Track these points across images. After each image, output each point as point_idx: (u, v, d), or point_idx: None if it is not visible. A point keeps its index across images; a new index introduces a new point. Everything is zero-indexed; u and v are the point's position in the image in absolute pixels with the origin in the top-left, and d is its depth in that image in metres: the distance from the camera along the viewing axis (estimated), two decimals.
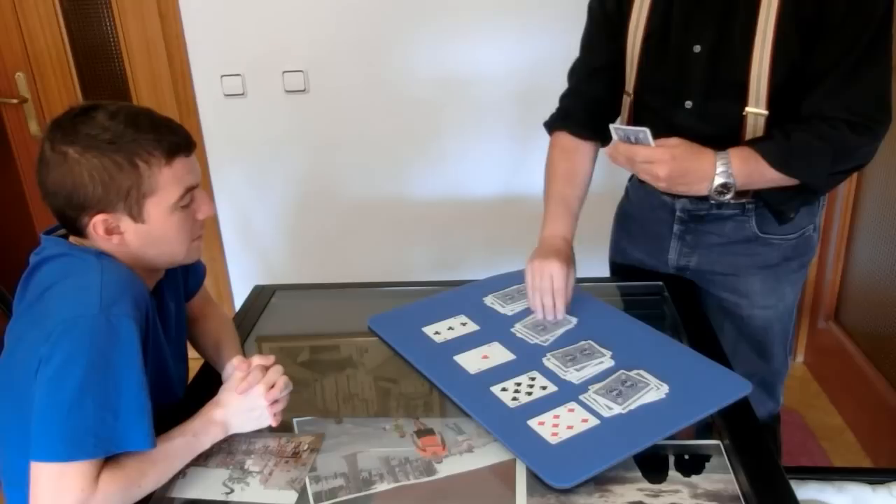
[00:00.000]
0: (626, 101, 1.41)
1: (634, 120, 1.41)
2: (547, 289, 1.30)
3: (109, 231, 1.02)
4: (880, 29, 1.15)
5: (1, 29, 2.36)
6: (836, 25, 1.15)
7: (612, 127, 1.22)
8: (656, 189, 1.27)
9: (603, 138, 1.44)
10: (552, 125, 1.49)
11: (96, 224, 1.01)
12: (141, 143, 0.99)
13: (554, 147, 1.47)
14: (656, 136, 1.18)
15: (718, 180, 1.20)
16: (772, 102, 1.22)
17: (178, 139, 1.03)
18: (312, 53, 2.35)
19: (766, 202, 1.33)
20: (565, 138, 1.45)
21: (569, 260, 1.32)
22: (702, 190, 1.21)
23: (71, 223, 1.04)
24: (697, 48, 1.25)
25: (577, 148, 1.44)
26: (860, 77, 1.17)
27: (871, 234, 2.23)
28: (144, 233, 1.03)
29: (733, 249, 1.40)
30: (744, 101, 1.24)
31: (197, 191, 1.08)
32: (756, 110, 1.23)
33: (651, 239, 1.50)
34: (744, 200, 1.34)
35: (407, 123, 2.43)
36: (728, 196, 1.21)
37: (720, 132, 1.27)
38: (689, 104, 1.30)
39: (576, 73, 1.49)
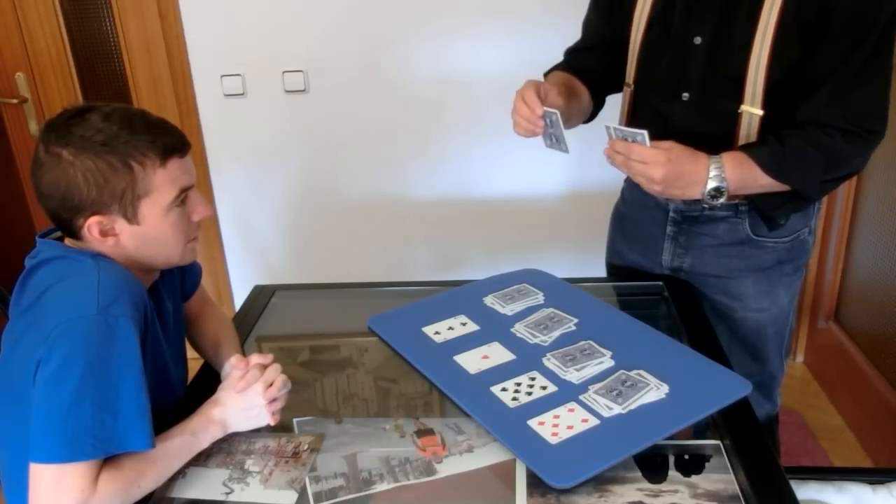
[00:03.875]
0: (626, 91, 1.42)
1: (633, 111, 1.41)
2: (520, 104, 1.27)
3: (104, 233, 1.02)
4: (882, 39, 1.15)
5: (1, 29, 2.36)
6: (838, 32, 1.15)
7: (611, 126, 1.23)
8: None
9: (595, 101, 1.46)
10: (548, 72, 1.50)
11: (91, 226, 1.01)
12: (135, 144, 0.99)
13: (550, 75, 1.48)
14: (652, 133, 1.18)
15: (711, 184, 1.20)
16: (767, 102, 1.22)
17: (172, 140, 1.03)
18: (312, 53, 2.35)
19: (758, 208, 1.33)
20: (562, 71, 1.47)
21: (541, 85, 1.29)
22: (695, 194, 1.22)
23: (65, 225, 1.04)
24: (698, 40, 1.26)
25: (574, 78, 1.45)
26: (859, 86, 1.17)
27: (871, 234, 2.23)
28: (139, 234, 1.03)
29: (726, 251, 1.40)
30: (740, 99, 1.24)
31: (192, 192, 1.08)
32: (751, 109, 1.24)
33: (645, 240, 1.50)
34: (737, 202, 1.34)
35: (407, 123, 2.43)
36: (720, 200, 1.22)
37: (714, 130, 1.28)
38: (685, 96, 1.30)
39: (572, 50, 1.51)
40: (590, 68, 1.46)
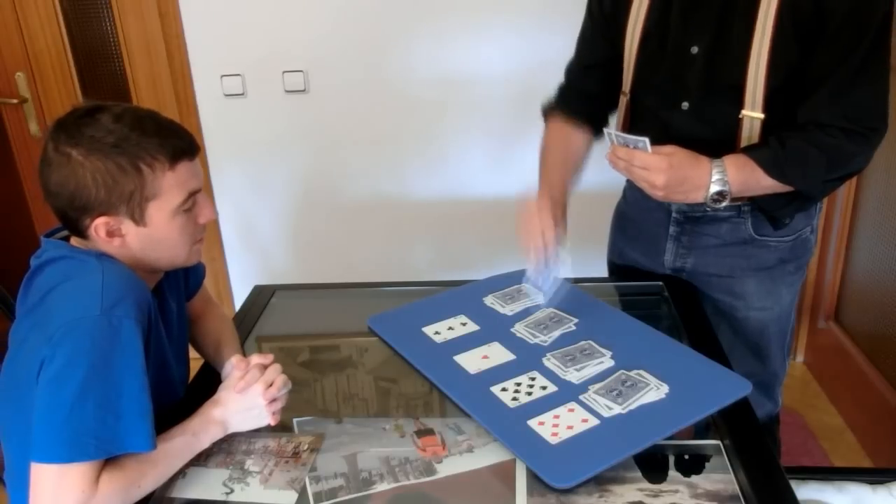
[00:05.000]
0: (623, 100, 1.41)
1: (631, 120, 1.41)
2: (535, 230, 1.30)
3: (111, 233, 1.02)
4: (879, 36, 1.15)
5: (1, 29, 2.36)
6: (835, 32, 1.14)
7: (612, 133, 1.23)
8: None
9: (597, 129, 1.45)
10: (548, 110, 1.50)
11: (98, 226, 1.01)
12: (145, 146, 0.99)
13: (549, 131, 1.48)
14: (653, 140, 1.18)
15: (714, 188, 1.20)
16: (768, 106, 1.22)
17: (182, 143, 1.03)
18: (312, 53, 2.35)
19: (762, 208, 1.33)
20: (560, 122, 1.46)
21: (555, 205, 1.32)
22: (698, 198, 1.22)
23: (72, 224, 1.04)
24: (695, 49, 1.25)
25: (572, 132, 1.45)
26: (858, 84, 1.17)
27: (871, 234, 2.23)
28: (146, 236, 1.03)
29: (729, 251, 1.40)
30: (740, 104, 1.24)
31: (199, 195, 1.08)
32: (752, 114, 1.23)
33: (647, 240, 1.50)
34: (739, 202, 1.34)
35: (407, 123, 2.43)
36: (723, 204, 1.22)
37: (716, 136, 1.27)
38: (685, 106, 1.30)
39: (571, 69, 1.50)
40: (592, 88, 1.45)
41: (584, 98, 1.46)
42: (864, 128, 1.19)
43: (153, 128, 1.01)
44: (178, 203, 1.03)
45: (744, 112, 1.24)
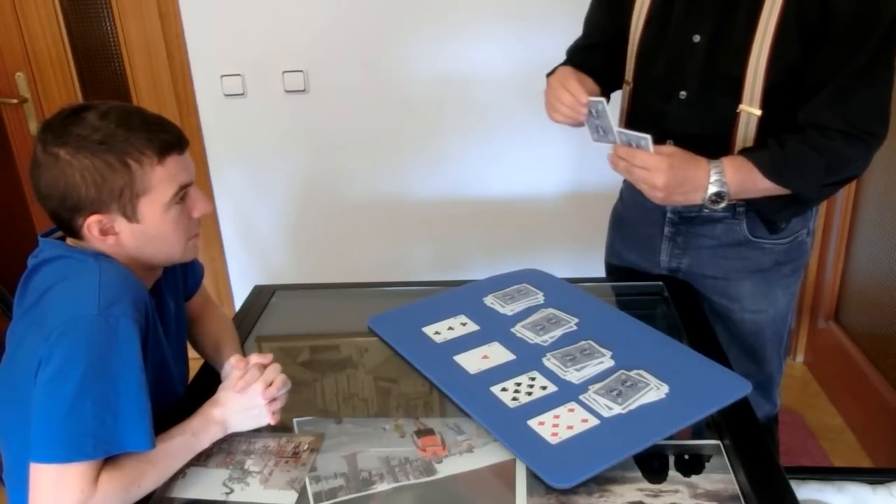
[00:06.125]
0: (626, 89, 1.41)
1: (631, 110, 1.41)
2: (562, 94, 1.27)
3: (104, 232, 1.02)
4: (883, 41, 1.14)
5: (1, 29, 2.36)
6: (839, 35, 1.14)
7: (615, 129, 1.23)
8: None
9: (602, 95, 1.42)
10: (551, 72, 1.48)
11: (91, 225, 1.01)
12: (132, 142, 0.99)
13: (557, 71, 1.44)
14: (648, 131, 1.18)
15: (712, 189, 1.20)
16: (766, 102, 1.22)
17: (169, 137, 1.03)
18: (312, 53, 2.35)
19: (758, 211, 1.33)
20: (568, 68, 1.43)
21: (581, 76, 1.30)
22: (696, 199, 1.22)
23: (66, 225, 1.04)
24: (697, 38, 1.25)
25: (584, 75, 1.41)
26: (860, 89, 1.16)
27: (871, 234, 2.23)
28: (139, 232, 1.03)
29: (724, 253, 1.40)
30: (738, 98, 1.24)
31: (192, 188, 1.07)
32: (750, 109, 1.23)
33: (643, 241, 1.50)
34: (734, 202, 1.33)
35: (407, 123, 2.43)
36: (721, 205, 1.22)
37: (712, 130, 1.27)
38: (683, 95, 1.29)
39: (573, 48, 1.51)
40: (593, 66, 1.44)
41: (586, 70, 1.43)
42: (863, 132, 1.18)
43: (140, 123, 1.01)
44: (169, 197, 1.03)
45: (741, 106, 1.24)
